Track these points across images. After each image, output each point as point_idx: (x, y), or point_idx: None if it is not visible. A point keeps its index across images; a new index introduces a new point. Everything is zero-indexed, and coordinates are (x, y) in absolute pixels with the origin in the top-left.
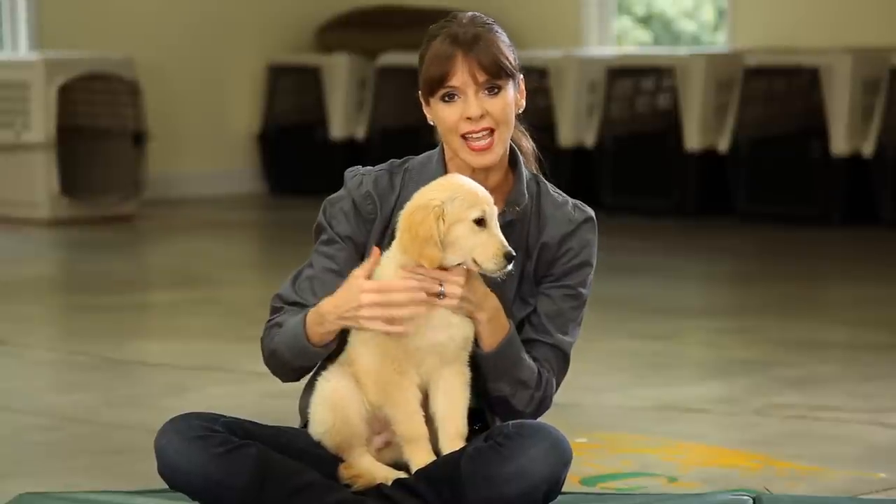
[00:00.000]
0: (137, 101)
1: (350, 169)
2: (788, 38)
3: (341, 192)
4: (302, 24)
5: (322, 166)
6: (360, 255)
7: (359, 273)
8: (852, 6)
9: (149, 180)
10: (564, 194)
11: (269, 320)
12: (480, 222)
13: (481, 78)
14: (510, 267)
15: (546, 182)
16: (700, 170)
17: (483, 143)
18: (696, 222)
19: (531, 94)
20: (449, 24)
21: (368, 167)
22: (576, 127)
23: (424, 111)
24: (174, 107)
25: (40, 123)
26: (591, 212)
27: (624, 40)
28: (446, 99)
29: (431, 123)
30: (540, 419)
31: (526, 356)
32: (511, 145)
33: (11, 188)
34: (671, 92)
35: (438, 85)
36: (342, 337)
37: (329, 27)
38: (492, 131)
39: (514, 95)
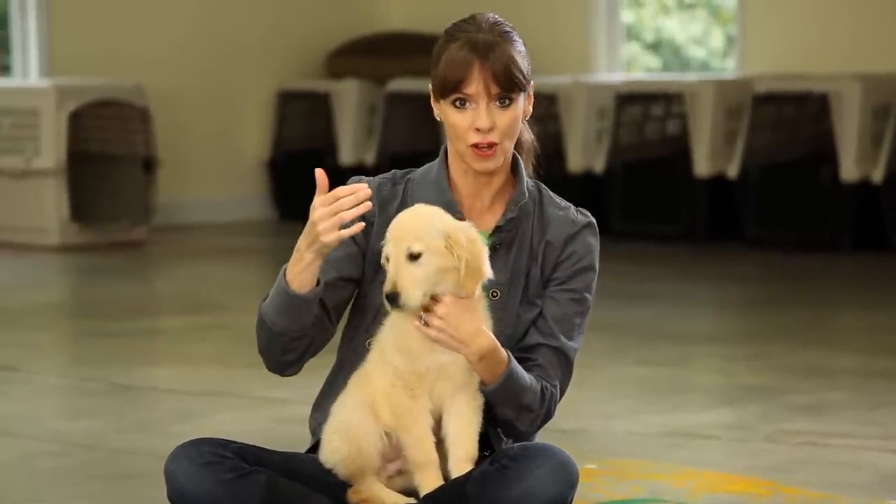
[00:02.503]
0: (147, 127)
1: (354, 177)
2: (797, 65)
3: None
4: (311, 50)
5: None
6: (362, 255)
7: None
8: (861, 32)
9: (159, 206)
10: (565, 201)
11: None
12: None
13: (494, 90)
14: (399, 307)
15: (547, 189)
16: (709, 196)
17: (486, 149)
18: (705, 248)
19: (541, 120)
20: (469, 26)
21: (371, 177)
22: (585, 153)
23: (432, 105)
24: (184, 133)
25: (51, 149)
26: (592, 218)
27: (633, 66)
28: (458, 104)
29: (438, 119)
30: (545, 441)
31: (528, 380)
32: (514, 153)
33: (22, 214)
34: (680, 118)
35: (452, 90)
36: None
37: (338, 53)
38: (494, 144)
39: (523, 106)
